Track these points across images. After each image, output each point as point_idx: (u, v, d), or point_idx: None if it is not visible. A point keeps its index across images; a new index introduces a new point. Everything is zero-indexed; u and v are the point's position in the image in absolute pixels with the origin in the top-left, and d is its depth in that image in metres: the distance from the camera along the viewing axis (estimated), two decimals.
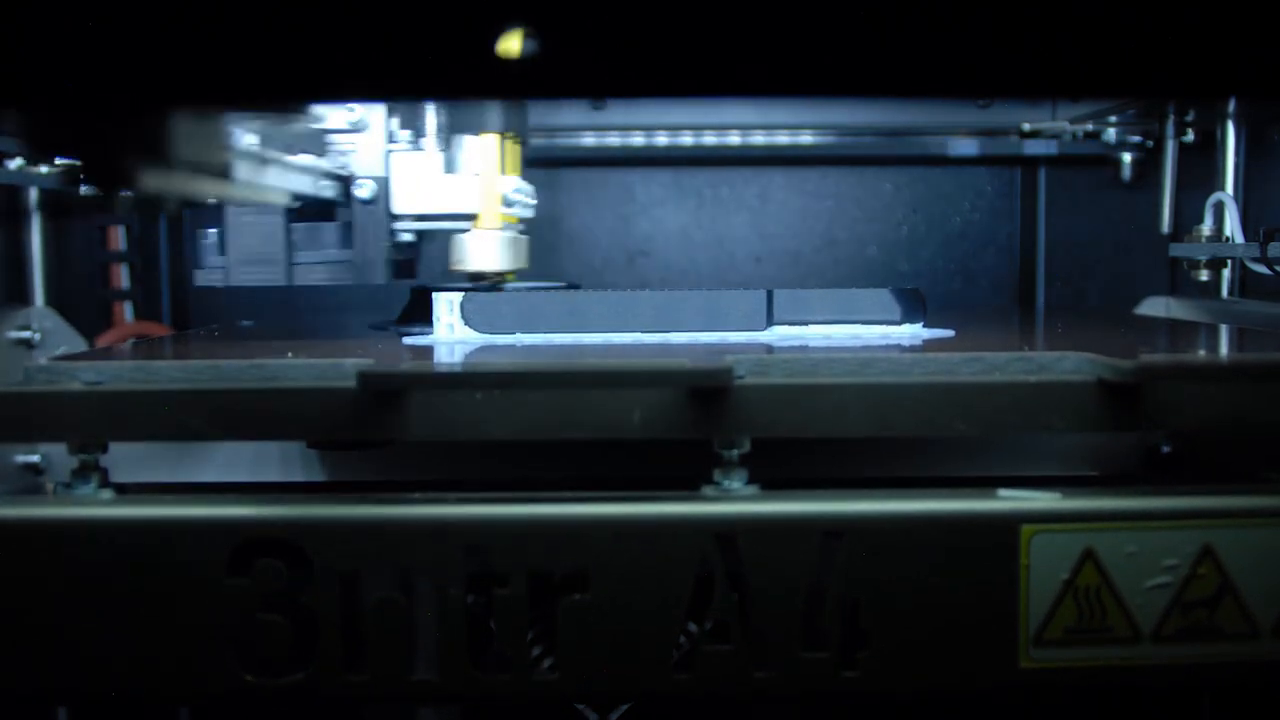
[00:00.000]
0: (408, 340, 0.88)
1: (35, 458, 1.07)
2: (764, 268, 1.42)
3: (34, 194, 1.33)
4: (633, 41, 0.57)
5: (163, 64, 0.55)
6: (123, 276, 1.39)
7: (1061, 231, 1.42)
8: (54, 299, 1.33)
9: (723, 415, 0.64)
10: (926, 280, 1.40)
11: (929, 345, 0.81)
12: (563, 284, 1.03)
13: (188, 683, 0.63)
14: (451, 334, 0.87)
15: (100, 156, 0.59)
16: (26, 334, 1.20)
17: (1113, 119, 1.36)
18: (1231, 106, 1.25)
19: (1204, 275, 1.22)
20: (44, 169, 1.26)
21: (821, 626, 0.62)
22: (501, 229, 0.94)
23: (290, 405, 0.64)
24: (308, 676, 0.62)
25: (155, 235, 1.41)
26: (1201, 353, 0.79)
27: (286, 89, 0.62)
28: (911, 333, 0.89)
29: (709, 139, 1.39)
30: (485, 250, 0.94)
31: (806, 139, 1.39)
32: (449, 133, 0.94)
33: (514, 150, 0.96)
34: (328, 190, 0.90)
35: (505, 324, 0.87)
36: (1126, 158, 1.38)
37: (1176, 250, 1.25)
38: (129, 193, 0.62)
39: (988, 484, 0.65)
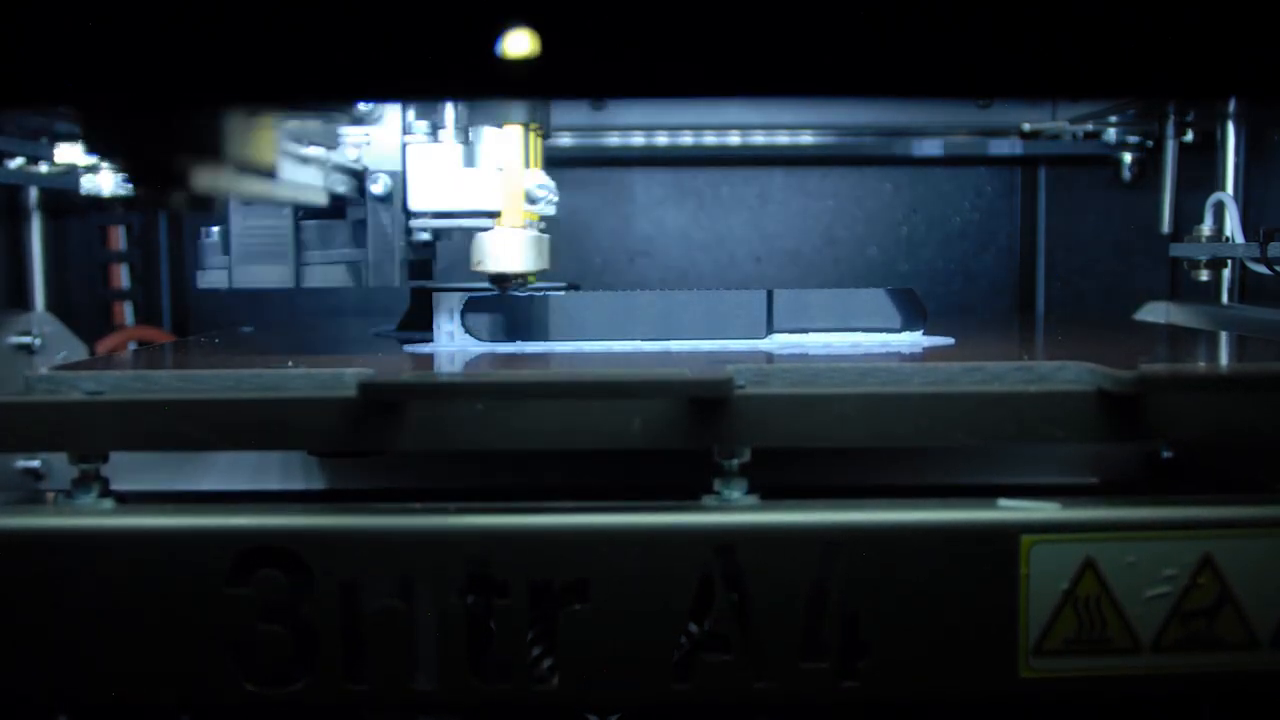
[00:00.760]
0: (409, 348, 0.88)
1: (35, 463, 1.07)
2: (764, 268, 1.42)
3: (34, 194, 1.33)
4: (633, 41, 0.57)
5: (204, 64, 0.55)
6: (123, 276, 1.39)
7: (1061, 232, 1.41)
8: (54, 299, 1.33)
9: (723, 425, 0.64)
10: (926, 281, 1.40)
11: (929, 354, 0.81)
12: (563, 284, 1.03)
13: (188, 692, 0.63)
14: (452, 342, 0.86)
15: (151, 157, 0.58)
16: (27, 339, 1.20)
17: (1113, 119, 1.35)
18: (1231, 106, 1.25)
19: (1204, 275, 1.22)
20: (44, 169, 1.26)
21: (822, 636, 0.62)
22: (525, 227, 0.87)
23: (291, 415, 0.64)
24: (308, 686, 0.63)
25: (155, 235, 1.40)
26: (1201, 362, 0.79)
27: (289, 88, 0.62)
28: (911, 340, 0.89)
29: (709, 139, 1.39)
30: (509, 250, 0.86)
31: (806, 139, 1.39)
32: (469, 124, 0.86)
33: (537, 143, 0.89)
34: (340, 185, 0.84)
35: (505, 332, 0.87)
36: (1126, 158, 1.37)
37: (1176, 250, 1.24)
38: (180, 192, 0.60)
39: (988, 491, 0.65)
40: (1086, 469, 0.86)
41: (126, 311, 1.39)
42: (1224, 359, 0.83)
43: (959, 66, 0.57)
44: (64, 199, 1.35)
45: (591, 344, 0.87)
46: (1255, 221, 1.15)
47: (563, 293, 0.89)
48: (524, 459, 0.72)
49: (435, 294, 0.89)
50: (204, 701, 0.63)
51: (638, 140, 1.38)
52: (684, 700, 0.63)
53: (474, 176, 0.85)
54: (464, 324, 0.86)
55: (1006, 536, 0.62)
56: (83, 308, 1.37)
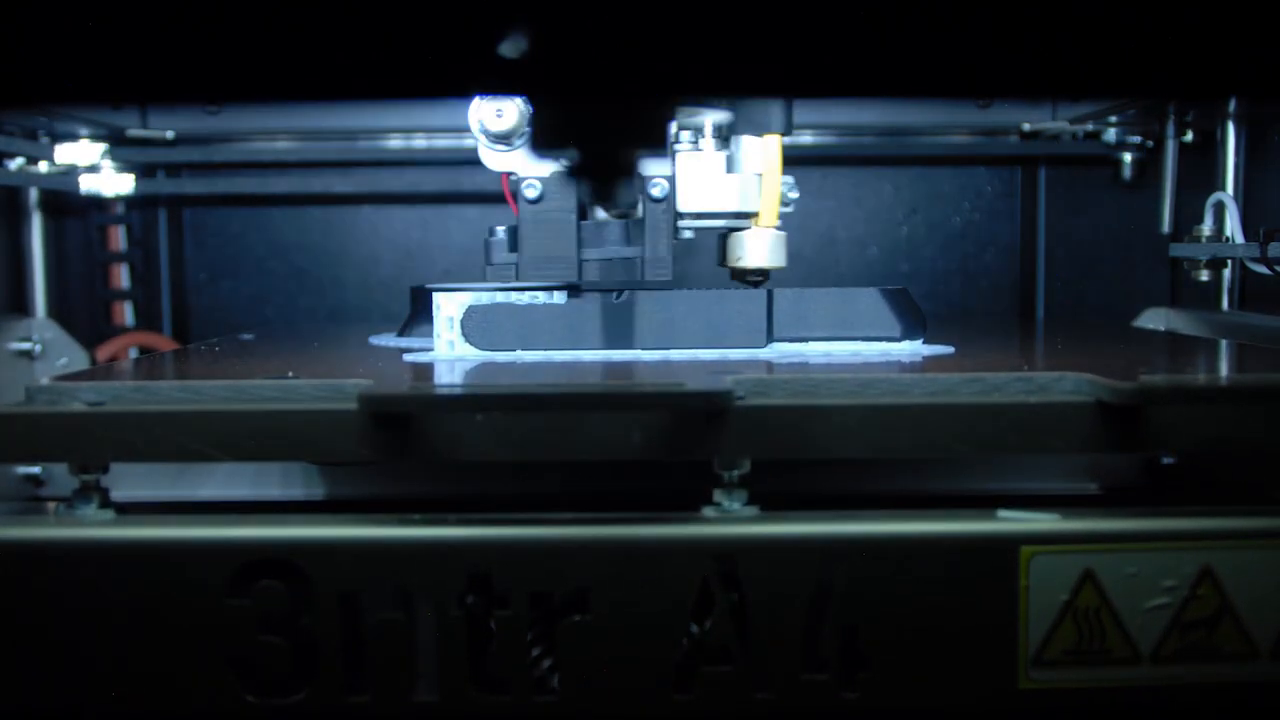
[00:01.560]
0: (408, 358, 0.87)
1: (35, 469, 1.07)
2: None
3: (34, 194, 1.33)
4: (632, 41, 0.57)
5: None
6: (123, 277, 1.39)
7: (1061, 231, 1.42)
8: (54, 299, 1.33)
9: (723, 437, 0.64)
10: (926, 281, 1.40)
11: (929, 363, 0.81)
12: (564, 286, 1.03)
13: (188, 704, 0.63)
14: (451, 350, 0.86)
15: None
16: (27, 345, 1.20)
17: (1113, 119, 1.35)
18: (1231, 106, 1.25)
19: (1204, 275, 1.22)
20: (44, 169, 1.26)
21: (822, 647, 0.62)
22: (776, 227, 0.95)
23: (291, 427, 0.64)
24: (308, 697, 0.63)
25: (155, 235, 1.41)
26: (1201, 373, 0.79)
27: (290, 87, 0.62)
28: (911, 349, 0.89)
29: None
30: (763, 248, 0.93)
31: (806, 139, 1.39)
32: (728, 132, 0.94)
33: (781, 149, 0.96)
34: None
35: (505, 340, 0.87)
36: (1126, 158, 1.38)
37: (1176, 250, 1.25)
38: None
39: (988, 497, 0.65)
40: (1086, 475, 0.86)
41: (126, 312, 1.39)
42: (1224, 369, 0.83)
43: (959, 66, 0.57)
44: (64, 199, 1.35)
45: (591, 352, 0.87)
46: (1255, 221, 1.15)
47: (563, 301, 0.89)
48: (524, 468, 0.72)
49: (435, 296, 0.89)
50: (204, 713, 0.63)
51: None
52: (684, 711, 0.63)
53: (737, 181, 0.92)
54: (463, 333, 0.86)
55: (1006, 548, 0.62)
56: (83, 308, 1.37)
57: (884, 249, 1.41)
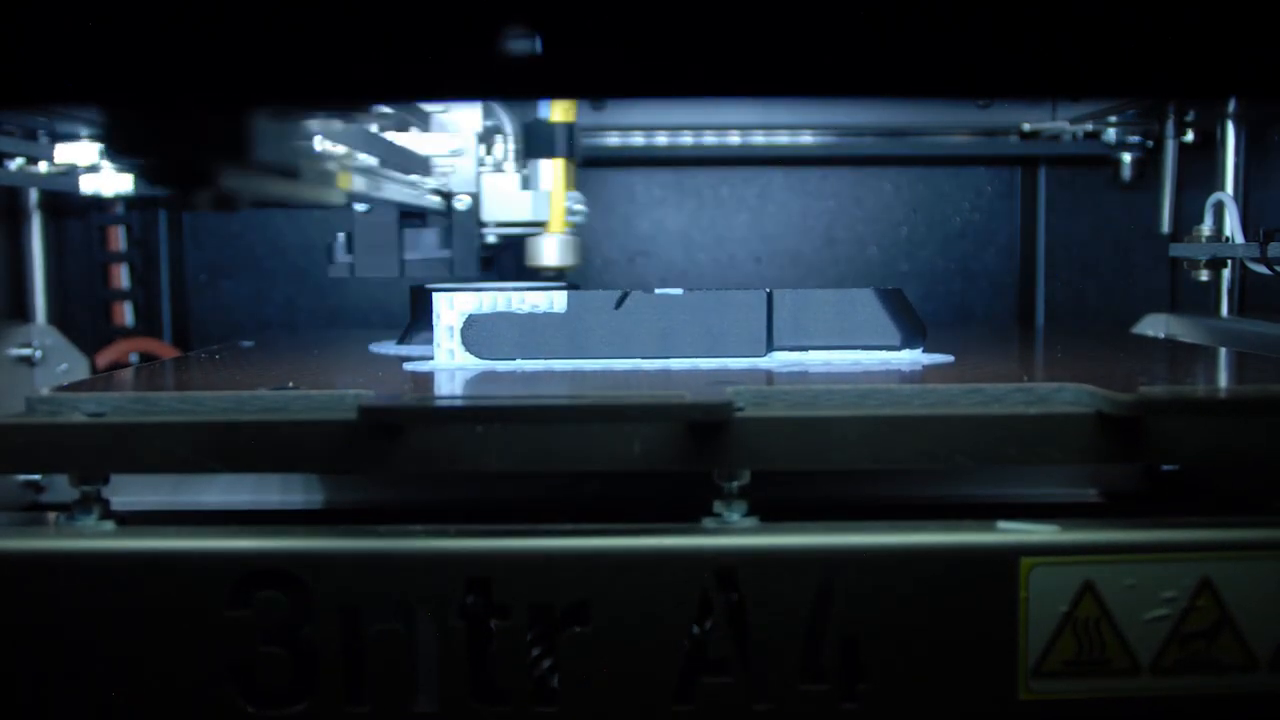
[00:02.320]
0: (408, 367, 0.87)
1: (36, 476, 1.07)
2: (764, 268, 1.42)
3: (34, 194, 1.32)
4: (633, 41, 0.56)
5: (238, 64, 0.55)
6: (123, 277, 1.39)
7: (1061, 231, 1.41)
8: (54, 300, 1.33)
9: (723, 448, 0.64)
10: (926, 281, 1.40)
11: (928, 373, 0.81)
12: (563, 285, 1.03)
13: (189, 715, 0.63)
14: (452, 360, 0.86)
15: (181, 156, 0.58)
16: (27, 351, 1.20)
17: (1113, 119, 1.35)
18: (1231, 106, 1.25)
19: (1204, 275, 1.22)
20: (44, 169, 1.26)
21: (821, 658, 0.63)
22: (565, 233, 1.16)
23: (291, 438, 0.64)
24: (309, 708, 0.63)
25: (155, 235, 1.40)
26: (1201, 383, 0.79)
27: (292, 90, 0.62)
28: (911, 358, 0.88)
29: (709, 139, 1.39)
30: (554, 250, 1.16)
31: (806, 139, 1.39)
32: (525, 156, 1.15)
33: (571, 169, 1.17)
34: (433, 202, 1.10)
35: (505, 349, 0.86)
36: (1126, 158, 1.37)
37: (1176, 250, 1.24)
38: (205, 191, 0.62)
39: (987, 504, 0.65)
40: (1086, 482, 0.86)
41: (126, 312, 1.39)
42: (1223, 379, 0.83)
43: (959, 66, 0.57)
44: (64, 199, 1.35)
45: (591, 362, 0.87)
46: (1255, 221, 1.15)
47: (563, 309, 0.88)
48: (523, 479, 0.72)
49: (435, 304, 0.89)
50: None
51: (638, 140, 1.38)
52: None
53: (529, 196, 1.15)
54: (464, 342, 0.86)
55: (1006, 559, 0.62)
56: (83, 309, 1.37)
57: (884, 249, 1.41)
